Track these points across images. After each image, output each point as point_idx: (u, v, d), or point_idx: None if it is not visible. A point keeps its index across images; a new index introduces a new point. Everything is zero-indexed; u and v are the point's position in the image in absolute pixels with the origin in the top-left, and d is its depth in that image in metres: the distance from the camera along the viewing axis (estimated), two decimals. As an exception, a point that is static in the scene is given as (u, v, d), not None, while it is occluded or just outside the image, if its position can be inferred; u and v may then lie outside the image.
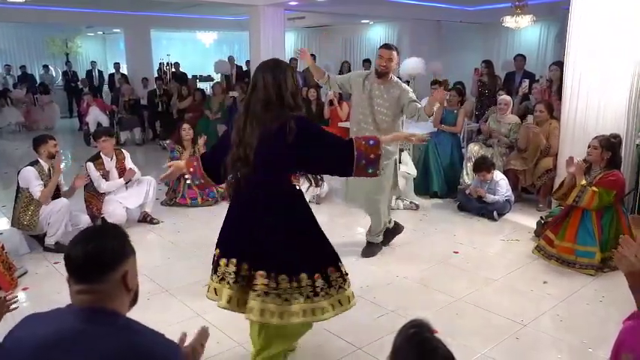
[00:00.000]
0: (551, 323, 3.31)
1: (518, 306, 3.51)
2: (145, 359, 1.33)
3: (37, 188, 4.42)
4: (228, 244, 2.57)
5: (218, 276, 2.57)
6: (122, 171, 5.19)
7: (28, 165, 4.51)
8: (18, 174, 4.52)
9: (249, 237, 2.48)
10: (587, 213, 4.08)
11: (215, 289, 2.57)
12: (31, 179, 4.43)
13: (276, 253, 2.45)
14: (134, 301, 1.52)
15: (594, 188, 4.00)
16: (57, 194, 4.62)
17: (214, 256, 2.64)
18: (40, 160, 4.55)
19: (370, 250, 4.48)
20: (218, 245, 2.64)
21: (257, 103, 2.42)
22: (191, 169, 2.71)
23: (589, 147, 4.21)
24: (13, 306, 2.12)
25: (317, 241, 2.59)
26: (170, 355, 1.41)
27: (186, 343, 1.70)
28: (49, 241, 4.51)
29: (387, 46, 4.20)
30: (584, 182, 4.07)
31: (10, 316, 1.98)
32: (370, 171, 2.49)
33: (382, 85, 4.16)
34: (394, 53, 4.10)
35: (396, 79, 4.26)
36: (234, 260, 2.50)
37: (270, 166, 2.45)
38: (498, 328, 3.21)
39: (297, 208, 2.55)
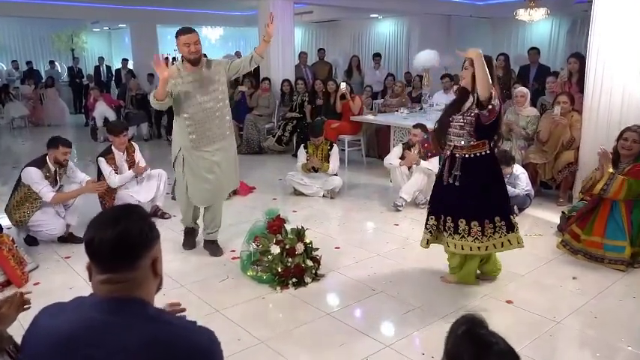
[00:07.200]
0: (585, 320, 3.16)
1: (549, 302, 3.36)
2: (179, 349, 1.21)
3: (46, 190, 4.23)
4: None
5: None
6: (132, 164, 5.08)
7: (33, 165, 4.30)
8: (22, 169, 4.35)
9: None
10: (616, 206, 3.93)
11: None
12: (36, 180, 4.23)
13: None
14: (159, 287, 1.38)
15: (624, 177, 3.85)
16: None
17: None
18: (48, 162, 4.35)
19: (216, 247, 4.29)
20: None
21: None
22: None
23: (627, 140, 3.97)
24: (26, 306, 1.96)
25: None
26: (206, 342, 1.28)
27: None
28: (23, 234, 4.43)
29: (187, 30, 3.74)
30: (612, 170, 3.92)
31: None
32: None
33: (200, 70, 3.82)
34: (196, 33, 3.75)
35: (203, 58, 3.86)
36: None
37: None
38: (530, 325, 3.07)
39: None
